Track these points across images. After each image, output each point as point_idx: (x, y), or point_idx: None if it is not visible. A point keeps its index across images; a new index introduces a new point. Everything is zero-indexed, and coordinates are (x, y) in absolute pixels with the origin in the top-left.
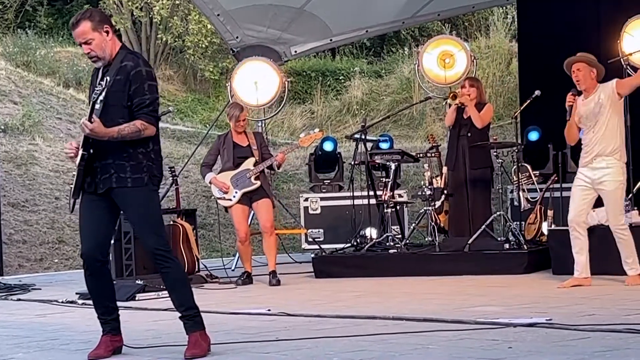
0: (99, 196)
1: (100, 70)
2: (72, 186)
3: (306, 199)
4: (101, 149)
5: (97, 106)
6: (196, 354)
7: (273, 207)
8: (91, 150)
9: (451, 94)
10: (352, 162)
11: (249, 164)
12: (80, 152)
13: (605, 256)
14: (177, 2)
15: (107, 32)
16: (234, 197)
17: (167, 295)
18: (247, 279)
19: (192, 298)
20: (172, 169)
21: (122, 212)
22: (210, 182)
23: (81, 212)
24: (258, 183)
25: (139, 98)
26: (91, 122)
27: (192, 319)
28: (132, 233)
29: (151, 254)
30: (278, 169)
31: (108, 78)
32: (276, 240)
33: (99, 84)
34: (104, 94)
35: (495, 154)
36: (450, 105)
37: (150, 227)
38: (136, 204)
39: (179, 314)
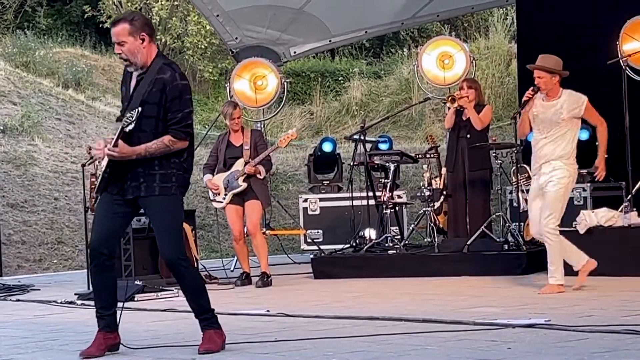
0: (123, 199)
1: (134, 76)
2: (96, 186)
3: (305, 200)
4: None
5: (127, 129)
6: (209, 348)
7: (264, 209)
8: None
9: (450, 98)
10: (351, 163)
11: (238, 165)
12: (106, 159)
13: (603, 257)
14: (176, 3)
15: (143, 40)
16: (224, 199)
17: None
18: (246, 279)
19: (208, 302)
20: None
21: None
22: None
23: (98, 208)
24: (245, 185)
25: (171, 113)
26: (116, 146)
27: (207, 320)
28: (132, 234)
29: (168, 262)
30: (260, 176)
31: (143, 88)
32: (264, 242)
33: (132, 96)
34: (136, 113)
35: (494, 155)
36: (449, 107)
37: (170, 236)
38: (160, 212)
39: (195, 317)
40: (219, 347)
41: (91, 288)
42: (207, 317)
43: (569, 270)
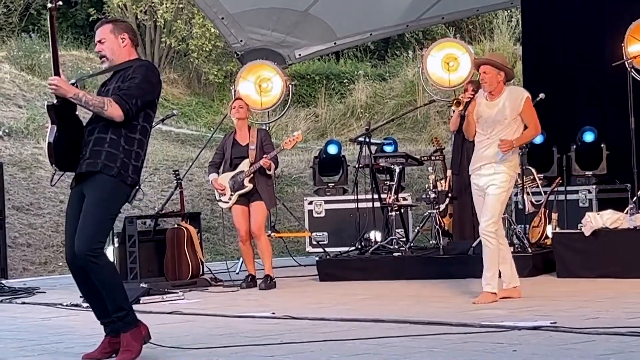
0: (81, 193)
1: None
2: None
3: (310, 202)
4: (88, 133)
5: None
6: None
7: (268, 210)
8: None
9: (455, 101)
10: (357, 166)
11: (244, 165)
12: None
13: (608, 259)
14: (181, 5)
15: (123, 40)
16: (230, 199)
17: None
18: (251, 282)
19: (124, 298)
20: (177, 173)
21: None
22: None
23: (66, 212)
24: (250, 186)
25: (127, 83)
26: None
27: (122, 319)
28: (137, 237)
29: (77, 254)
30: (269, 171)
31: (114, 81)
32: (268, 244)
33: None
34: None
35: None
36: (454, 110)
37: (89, 225)
38: (93, 190)
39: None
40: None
41: None
42: (120, 317)
43: (573, 274)
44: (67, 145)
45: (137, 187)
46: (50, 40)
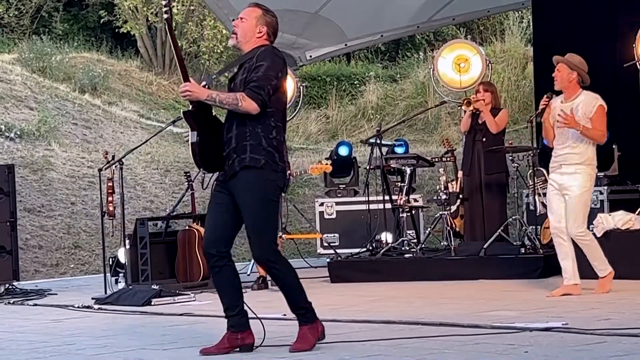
0: (227, 191)
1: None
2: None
3: (321, 204)
4: (227, 135)
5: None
6: (299, 348)
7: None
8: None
9: (465, 101)
10: (368, 167)
11: None
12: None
13: (620, 260)
14: (192, 7)
15: (261, 32)
16: None
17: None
18: (262, 283)
19: (303, 299)
20: (188, 174)
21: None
22: None
23: (209, 205)
24: None
25: (253, 74)
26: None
27: (302, 315)
28: (148, 238)
29: (256, 260)
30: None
31: (243, 73)
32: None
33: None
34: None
35: (510, 158)
36: (465, 111)
37: (260, 227)
38: (246, 189)
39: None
40: (311, 345)
41: (108, 293)
42: (301, 313)
43: (583, 275)
44: (211, 146)
45: (289, 173)
46: (172, 47)
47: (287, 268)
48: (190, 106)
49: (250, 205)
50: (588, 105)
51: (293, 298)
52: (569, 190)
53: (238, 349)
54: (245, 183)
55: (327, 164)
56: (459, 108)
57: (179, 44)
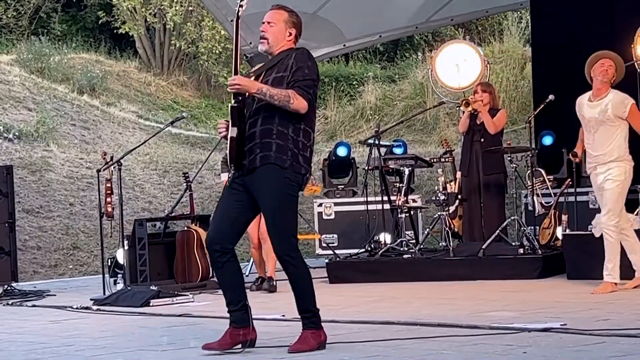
0: (243, 186)
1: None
2: (227, 160)
3: (320, 205)
4: (249, 126)
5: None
6: (299, 349)
7: None
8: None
9: (463, 101)
10: (366, 168)
11: None
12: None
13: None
14: (191, 8)
15: (290, 34)
16: None
17: (182, 301)
18: (261, 284)
19: (311, 302)
20: (186, 175)
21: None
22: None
23: (219, 203)
24: None
25: (296, 75)
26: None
27: (308, 319)
28: (147, 239)
29: (277, 256)
30: None
31: (274, 71)
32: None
33: (264, 76)
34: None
35: (509, 158)
36: (463, 111)
37: (280, 224)
38: (267, 185)
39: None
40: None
41: (107, 294)
42: (307, 317)
43: (583, 275)
44: (244, 145)
45: (308, 174)
46: (234, 40)
47: (304, 268)
48: (233, 101)
49: (270, 202)
50: (619, 105)
51: (304, 300)
52: (604, 184)
53: (240, 345)
54: (265, 179)
55: (317, 184)
56: (458, 109)
57: (178, 45)
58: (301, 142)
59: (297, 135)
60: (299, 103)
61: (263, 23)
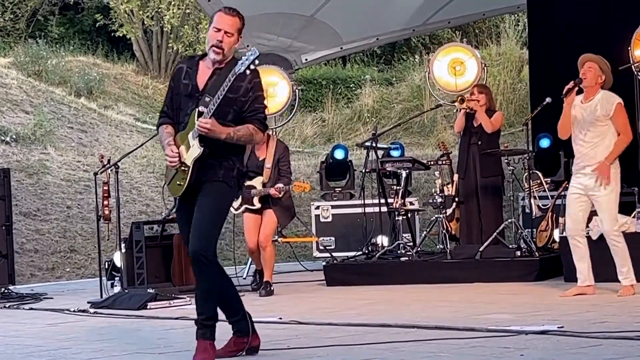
0: (192, 197)
1: (202, 68)
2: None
3: (317, 207)
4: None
5: (208, 107)
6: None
7: (278, 222)
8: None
9: (459, 98)
10: (363, 170)
11: (257, 182)
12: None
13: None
14: (188, 11)
15: (237, 41)
16: (237, 208)
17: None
18: (260, 282)
19: (212, 309)
20: None
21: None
22: None
23: (178, 215)
24: (259, 205)
25: (257, 105)
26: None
27: (207, 327)
28: (144, 242)
29: (192, 256)
30: (279, 194)
31: (221, 80)
32: (273, 254)
33: (206, 84)
34: (216, 99)
35: (506, 161)
36: (459, 110)
37: (207, 225)
38: (211, 196)
39: (195, 320)
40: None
41: (104, 296)
42: (208, 325)
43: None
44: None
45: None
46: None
47: (221, 274)
48: (200, 148)
49: (208, 206)
50: (606, 103)
51: (212, 305)
52: (596, 191)
53: (244, 352)
54: (210, 190)
55: (306, 182)
56: (455, 111)
57: (176, 47)
58: (240, 170)
59: (240, 163)
60: (259, 138)
61: (218, 30)
